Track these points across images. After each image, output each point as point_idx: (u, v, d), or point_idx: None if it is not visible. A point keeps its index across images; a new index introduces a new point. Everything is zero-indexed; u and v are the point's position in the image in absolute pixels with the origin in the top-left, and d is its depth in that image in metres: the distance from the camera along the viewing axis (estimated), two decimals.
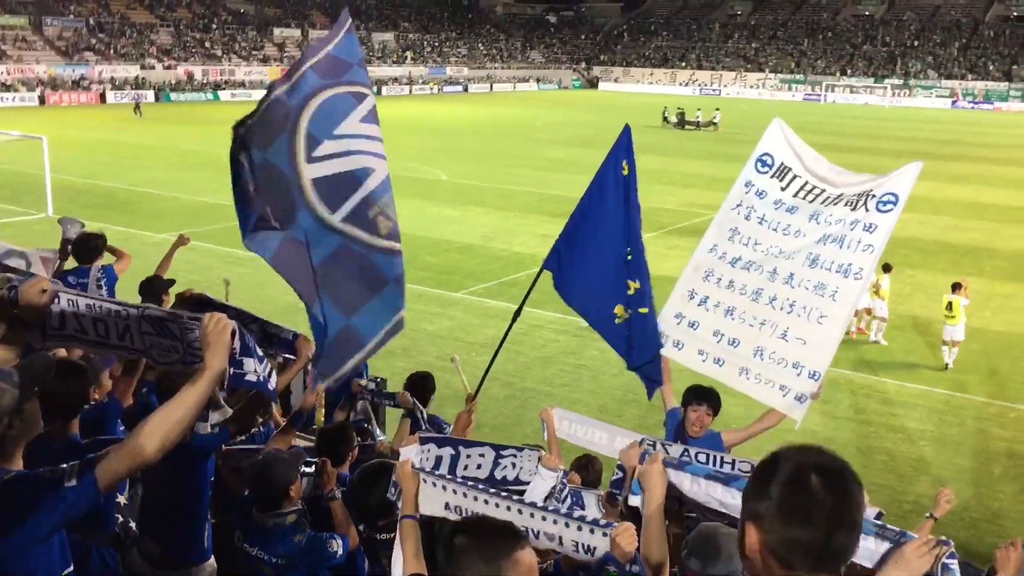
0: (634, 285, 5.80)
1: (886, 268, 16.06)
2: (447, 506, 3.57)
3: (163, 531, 4.63)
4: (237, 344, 3.08)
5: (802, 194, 5.79)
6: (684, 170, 35.51)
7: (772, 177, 5.94)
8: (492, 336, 15.03)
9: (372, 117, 4.78)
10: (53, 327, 3.47)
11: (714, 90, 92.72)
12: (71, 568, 3.12)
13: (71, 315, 3.47)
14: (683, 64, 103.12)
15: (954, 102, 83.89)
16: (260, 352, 3.29)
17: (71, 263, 8.17)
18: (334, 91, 4.58)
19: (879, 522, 3.05)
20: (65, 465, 2.81)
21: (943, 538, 2.83)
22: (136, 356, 3.54)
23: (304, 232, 4.32)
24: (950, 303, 14.83)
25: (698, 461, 4.19)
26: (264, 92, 4.58)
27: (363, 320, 4.40)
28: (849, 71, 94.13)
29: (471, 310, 16.97)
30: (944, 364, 14.84)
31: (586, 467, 5.47)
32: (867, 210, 5.47)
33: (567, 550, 3.46)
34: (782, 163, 5.92)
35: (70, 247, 8.09)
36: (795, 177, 5.85)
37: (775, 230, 5.80)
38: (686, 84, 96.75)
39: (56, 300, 3.42)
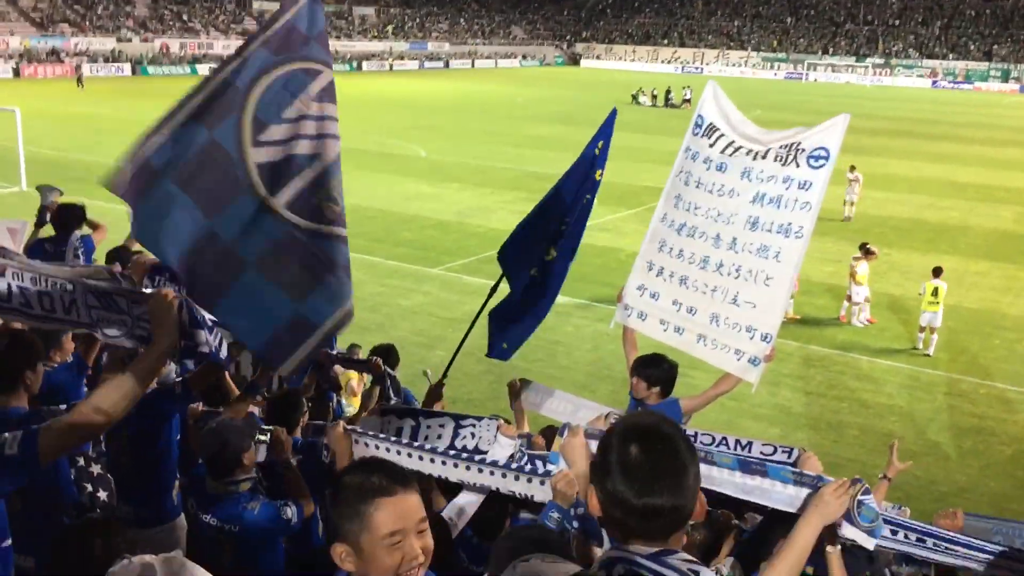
0: (553, 253, 6.14)
1: (868, 253, 16.00)
2: None
3: (131, 493, 4.66)
4: (186, 316, 3.07)
5: (729, 151, 5.77)
6: (664, 148, 35.41)
7: (701, 137, 5.96)
8: (468, 312, 14.96)
9: (326, 95, 4.51)
10: (2, 299, 3.42)
11: (696, 68, 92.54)
12: (9, 541, 3.10)
13: (16, 288, 3.42)
14: (665, 42, 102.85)
15: (935, 82, 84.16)
16: (211, 322, 3.26)
17: (49, 231, 8.08)
18: (285, 69, 4.29)
19: (795, 469, 3.13)
20: (7, 434, 2.77)
21: (856, 477, 2.92)
22: (83, 330, 3.50)
23: (239, 223, 4.07)
24: (936, 289, 14.56)
25: None
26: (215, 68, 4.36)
27: (311, 307, 4.20)
28: (831, 49, 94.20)
29: (447, 286, 16.95)
30: (922, 351, 14.65)
31: (551, 436, 5.46)
32: (798, 165, 5.42)
33: None
34: (711, 123, 5.95)
35: (48, 215, 8.00)
36: (721, 135, 5.86)
37: (710, 192, 5.80)
38: (668, 62, 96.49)
39: (1, 274, 3.38)
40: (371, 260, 18.51)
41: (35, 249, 7.84)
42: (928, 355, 14.52)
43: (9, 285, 3.42)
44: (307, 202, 4.13)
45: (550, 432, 5.51)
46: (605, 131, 6.20)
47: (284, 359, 4.15)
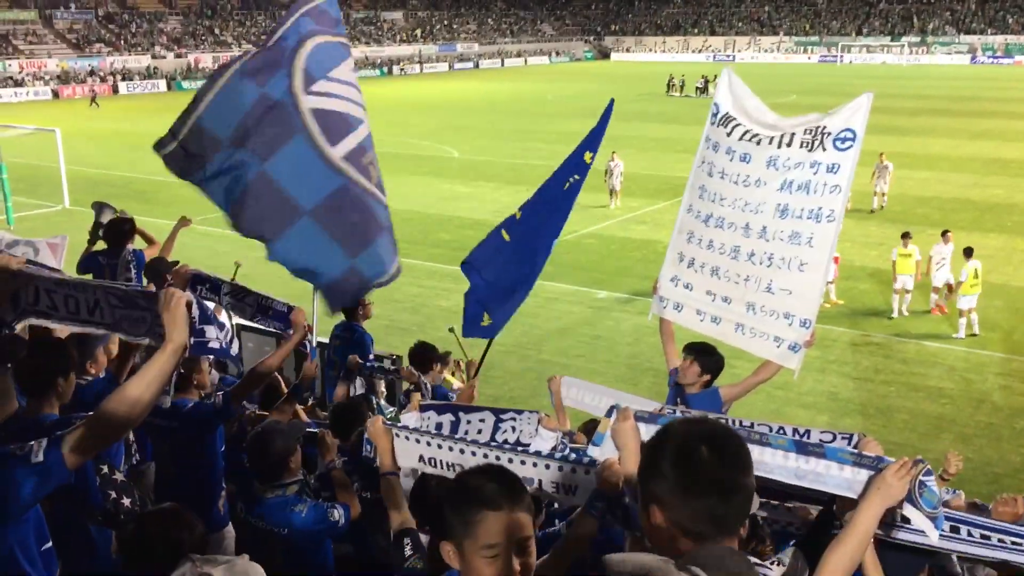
0: (518, 214, 6.14)
1: (904, 235, 15.56)
2: (421, 458, 3.57)
3: (177, 502, 4.69)
4: (196, 313, 3.09)
5: (748, 138, 5.70)
6: (697, 137, 35.18)
7: (718, 126, 5.90)
8: None
9: (355, 72, 4.83)
10: (29, 302, 3.54)
11: (728, 56, 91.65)
12: (49, 543, 3.14)
13: (44, 291, 3.54)
14: (696, 30, 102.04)
15: (973, 58, 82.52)
16: (220, 319, 3.30)
17: (103, 245, 8.20)
18: (326, 38, 4.67)
19: (855, 451, 3.05)
20: (33, 442, 2.81)
21: (918, 457, 2.83)
22: (106, 330, 3.61)
23: (293, 167, 4.34)
24: (976, 271, 14.17)
25: None
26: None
27: (364, 262, 4.47)
28: (865, 30, 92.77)
29: None
30: (968, 334, 14.26)
31: (592, 431, 5.43)
32: (824, 149, 5.35)
33: (547, 492, 3.47)
34: (726, 112, 5.89)
35: (101, 231, 8.13)
36: (737, 124, 5.79)
37: (736, 183, 5.73)
38: (699, 51, 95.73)
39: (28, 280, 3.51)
40: (409, 262, 18.55)
41: (90, 262, 7.96)
42: (976, 334, 14.22)
43: (37, 288, 3.56)
44: (358, 159, 4.45)
45: (592, 427, 5.47)
46: (602, 122, 6.27)
47: (336, 306, 4.56)
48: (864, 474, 2.87)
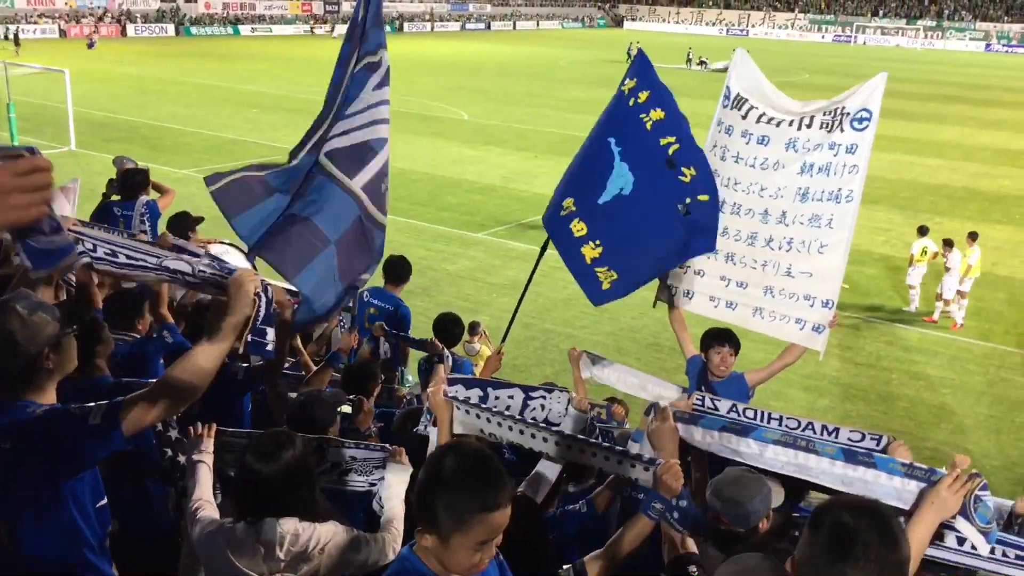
0: (690, 172, 5.01)
1: (947, 243, 14.98)
2: (482, 432, 3.57)
3: None
4: (262, 311, 3.10)
5: (766, 119, 5.67)
6: (701, 111, 34.89)
7: (731, 109, 5.83)
8: (512, 277, 15.02)
9: (384, 82, 4.92)
10: (87, 249, 3.69)
11: (741, 30, 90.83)
12: (104, 501, 3.16)
13: (103, 249, 3.63)
14: (710, 3, 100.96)
15: (988, 45, 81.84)
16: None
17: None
18: (351, 72, 4.78)
19: (906, 461, 3.01)
20: (92, 404, 2.83)
21: (974, 471, 2.81)
22: (152, 274, 3.69)
23: (319, 202, 4.48)
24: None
25: (746, 417, 4.09)
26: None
27: (346, 292, 4.69)
28: (881, 12, 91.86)
29: (492, 251, 16.92)
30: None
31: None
32: (843, 130, 5.42)
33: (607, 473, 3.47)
34: (737, 93, 5.84)
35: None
36: (752, 108, 5.75)
37: (752, 166, 5.71)
38: (712, 24, 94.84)
39: (80, 243, 3.64)
40: (417, 224, 18.54)
41: (105, 210, 7.90)
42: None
43: (94, 245, 3.70)
44: (377, 188, 4.57)
45: (610, 403, 5.49)
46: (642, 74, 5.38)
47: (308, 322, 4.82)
48: (914, 485, 2.85)
